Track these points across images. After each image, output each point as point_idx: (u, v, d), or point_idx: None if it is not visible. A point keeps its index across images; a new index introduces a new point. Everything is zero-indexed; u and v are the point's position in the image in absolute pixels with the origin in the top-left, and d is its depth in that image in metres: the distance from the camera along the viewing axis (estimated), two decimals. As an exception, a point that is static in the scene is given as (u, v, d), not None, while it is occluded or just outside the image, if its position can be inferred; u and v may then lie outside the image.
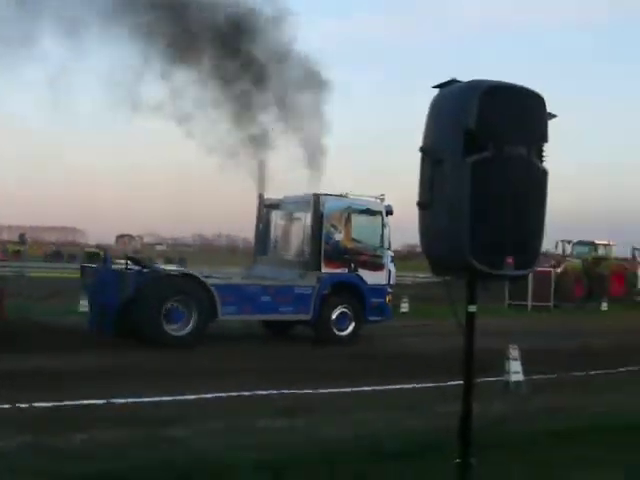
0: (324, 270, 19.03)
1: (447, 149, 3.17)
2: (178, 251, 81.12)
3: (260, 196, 21.14)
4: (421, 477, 7.31)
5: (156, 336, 16.54)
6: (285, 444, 8.35)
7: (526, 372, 13.00)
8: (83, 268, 20.12)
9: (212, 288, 17.47)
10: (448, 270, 3.26)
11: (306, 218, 20.01)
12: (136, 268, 18.03)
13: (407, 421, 9.86)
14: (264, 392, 11.47)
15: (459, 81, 3.30)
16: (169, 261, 45.98)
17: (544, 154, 3.34)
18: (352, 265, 19.31)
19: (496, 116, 3.16)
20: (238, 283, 18.91)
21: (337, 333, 19.00)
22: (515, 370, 12.89)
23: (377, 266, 19.86)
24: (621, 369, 15.71)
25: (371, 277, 19.60)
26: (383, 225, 20.07)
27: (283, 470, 7.10)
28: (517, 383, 12.80)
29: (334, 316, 18.89)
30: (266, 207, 21.30)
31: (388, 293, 20.12)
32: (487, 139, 3.12)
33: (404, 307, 27.07)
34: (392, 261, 21.14)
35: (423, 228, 3.28)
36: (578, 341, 20.82)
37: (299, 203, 20.57)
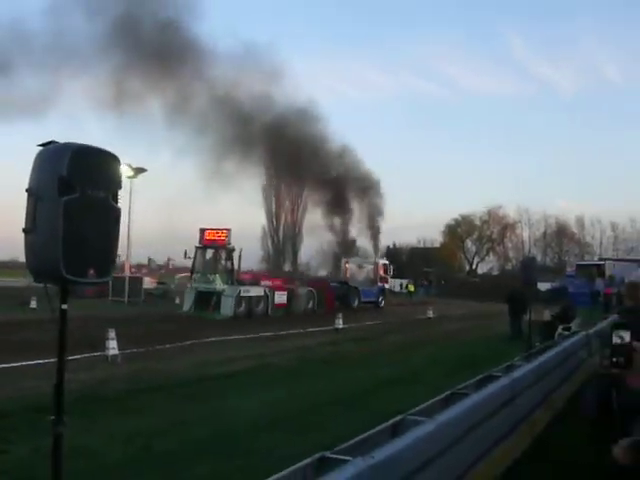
0: (378, 284, 40.38)
1: (47, 190, 3.23)
2: None
3: (345, 259, 43.07)
4: (24, 430, 7.15)
5: (358, 305, 36.39)
6: None
7: (121, 347, 13.23)
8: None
9: (360, 290, 37.61)
10: (46, 279, 3.32)
11: (369, 266, 41.82)
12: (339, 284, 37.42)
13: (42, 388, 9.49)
14: None
15: (57, 142, 3.39)
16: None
17: (119, 197, 3.57)
18: (382, 282, 41.10)
19: (82, 168, 3.31)
20: (366, 288, 38.55)
21: (380, 306, 38.96)
22: (112, 347, 13.04)
23: (386, 281, 42.73)
24: (187, 342, 16.68)
25: (386, 286, 42.50)
26: (388, 268, 42.91)
27: None
28: (114, 356, 12.95)
29: (380, 299, 39.71)
30: (345, 262, 42.09)
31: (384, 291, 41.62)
32: (76, 184, 3.25)
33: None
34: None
35: (27, 248, 3.29)
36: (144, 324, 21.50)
37: (368, 261, 43.36)
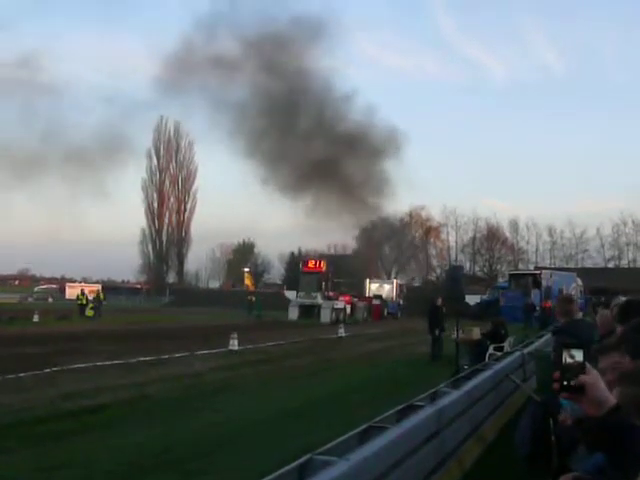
0: (397, 300, 58.29)
1: None
2: None
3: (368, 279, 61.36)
4: None
5: (386, 315, 55.13)
6: None
7: None
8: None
9: (387, 304, 56.67)
10: None
11: (388, 286, 60.16)
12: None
13: None
14: None
15: None
16: None
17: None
18: (399, 298, 58.97)
19: None
20: (390, 303, 56.59)
21: (398, 316, 54.62)
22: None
23: (401, 298, 59.78)
24: (48, 369, 16.12)
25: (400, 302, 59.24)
26: (403, 288, 62.66)
27: None
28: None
29: (397, 312, 56.25)
30: (369, 282, 60.14)
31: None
32: None
33: None
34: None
35: None
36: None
37: (388, 282, 62.89)
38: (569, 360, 2.03)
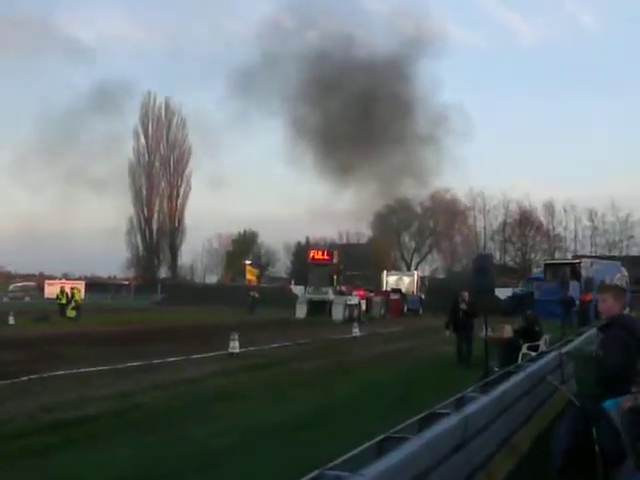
0: (418, 294, 58.97)
1: None
2: None
3: (386, 271, 63.43)
4: None
5: (406, 312, 56.58)
6: None
7: None
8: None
9: (396, 296, 56.53)
10: None
11: (408, 278, 61.35)
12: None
13: None
14: None
15: None
16: None
17: None
18: (420, 292, 59.63)
19: None
20: (410, 298, 57.55)
21: (420, 313, 55.28)
22: None
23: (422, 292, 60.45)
24: (26, 377, 16.21)
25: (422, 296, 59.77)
26: (424, 282, 62.76)
27: None
28: None
29: (419, 308, 57.10)
30: (387, 275, 61.78)
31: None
32: None
33: None
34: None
35: None
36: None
37: (408, 274, 64.80)
38: None
